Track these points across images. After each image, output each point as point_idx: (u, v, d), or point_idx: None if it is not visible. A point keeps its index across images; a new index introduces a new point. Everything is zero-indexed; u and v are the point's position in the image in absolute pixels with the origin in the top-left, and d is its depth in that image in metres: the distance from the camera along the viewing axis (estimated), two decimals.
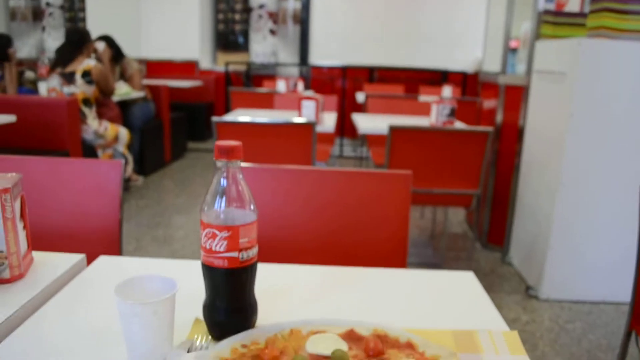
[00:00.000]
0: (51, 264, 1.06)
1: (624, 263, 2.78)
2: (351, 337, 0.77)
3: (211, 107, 7.37)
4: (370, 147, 3.95)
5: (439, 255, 3.51)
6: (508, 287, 3.04)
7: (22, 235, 0.99)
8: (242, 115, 3.52)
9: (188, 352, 0.75)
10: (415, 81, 6.70)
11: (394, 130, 2.71)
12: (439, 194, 2.87)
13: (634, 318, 1.61)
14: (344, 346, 0.74)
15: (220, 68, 7.58)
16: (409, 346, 0.75)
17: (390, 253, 1.44)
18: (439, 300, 0.97)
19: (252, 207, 0.76)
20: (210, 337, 0.79)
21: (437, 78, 6.93)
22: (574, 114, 2.72)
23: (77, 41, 4.33)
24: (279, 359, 0.71)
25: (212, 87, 7.34)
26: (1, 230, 0.94)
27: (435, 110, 3.26)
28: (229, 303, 0.77)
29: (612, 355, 2.37)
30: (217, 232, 0.73)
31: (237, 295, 0.77)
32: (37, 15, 7.59)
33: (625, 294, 1.74)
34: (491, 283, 3.08)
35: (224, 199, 0.74)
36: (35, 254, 1.08)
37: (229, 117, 3.02)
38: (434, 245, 3.72)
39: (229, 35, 7.86)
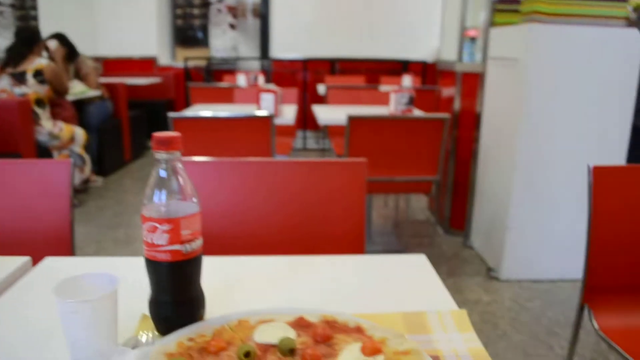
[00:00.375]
0: None
1: (579, 241, 2.86)
2: (300, 324, 0.77)
3: (171, 104, 7.25)
4: (332, 138, 3.96)
5: (403, 242, 3.55)
6: (470, 269, 3.10)
7: None
8: (200, 111, 3.47)
9: (133, 349, 0.74)
10: (376, 72, 6.73)
11: (352, 120, 2.72)
12: (400, 181, 2.89)
13: (586, 292, 1.66)
14: (292, 334, 0.74)
15: (179, 64, 7.46)
16: (358, 330, 0.75)
17: (348, 240, 1.44)
18: (392, 284, 0.98)
19: (194, 198, 0.75)
20: (156, 332, 0.78)
21: (397, 68, 6.97)
22: (526, 98, 2.78)
23: (27, 40, 4.19)
24: (225, 350, 0.71)
25: (172, 83, 7.22)
26: None
27: (394, 99, 3.29)
28: (174, 297, 0.76)
29: (570, 330, 2.44)
30: (157, 226, 0.72)
31: (182, 289, 0.76)
32: None
33: (580, 271, 1.80)
34: (454, 267, 3.13)
35: (163, 191, 0.73)
36: None
37: (186, 113, 2.98)
38: (398, 232, 3.76)
39: (187, 31, 7.73)
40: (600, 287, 1.66)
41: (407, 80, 5.14)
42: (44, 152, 4.19)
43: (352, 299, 0.91)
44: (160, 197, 0.73)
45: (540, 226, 2.94)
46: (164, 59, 7.56)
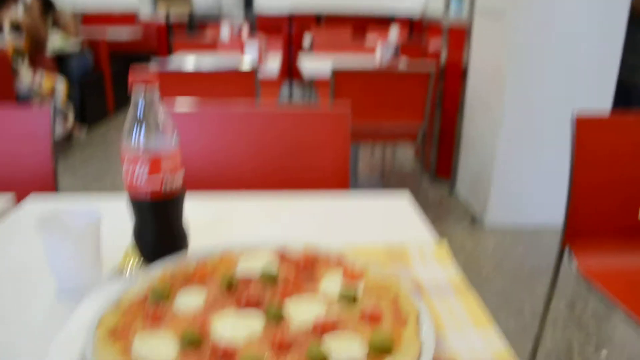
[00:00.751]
0: None
1: (563, 189, 2.91)
2: (282, 255, 0.78)
3: (150, 56, 7.08)
4: (319, 89, 3.92)
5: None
6: (455, 217, 3.15)
7: None
8: (182, 59, 3.41)
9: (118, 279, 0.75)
10: (362, 26, 6.61)
11: (337, 73, 2.68)
12: (386, 130, 2.89)
13: (567, 235, 1.70)
14: (274, 264, 0.75)
15: (161, 19, 7.25)
16: (339, 261, 0.77)
17: (333, 183, 1.45)
18: (374, 220, 1.00)
19: (173, 135, 0.74)
20: (141, 263, 0.79)
21: (384, 23, 6.84)
22: (513, 51, 2.77)
23: None
24: (209, 278, 0.72)
25: (154, 36, 7.04)
26: None
27: (380, 51, 3.25)
28: (157, 232, 0.77)
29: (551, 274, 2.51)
30: (136, 163, 0.72)
31: (164, 225, 0.77)
32: None
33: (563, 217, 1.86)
34: (439, 214, 3.18)
35: (142, 127, 0.72)
36: None
37: (168, 65, 2.92)
38: (384, 182, 3.78)
39: None
40: (581, 231, 1.70)
41: (394, 32, 5.06)
42: (24, 104, 4.11)
43: (335, 233, 0.92)
44: (139, 133, 0.72)
45: (525, 174, 2.97)
46: (145, 13, 7.34)
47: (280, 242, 0.81)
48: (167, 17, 7.06)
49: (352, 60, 3.37)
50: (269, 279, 0.71)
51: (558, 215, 2.96)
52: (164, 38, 7.10)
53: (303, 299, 0.68)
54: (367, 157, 4.30)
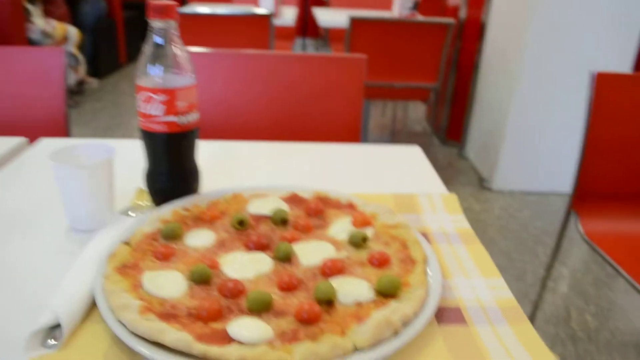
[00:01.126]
0: None
1: (573, 155, 2.88)
2: (293, 200, 0.78)
3: None
4: (332, 44, 3.86)
5: None
6: (463, 179, 3.14)
7: None
8: (196, 9, 3.35)
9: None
10: None
11: (354, 21, 2.63)
12: (398, 87, 2.86)
13: (575, 199, 1.69)
14: (285, 208, 0.76)
15: None
16: (349, 206, 0.77)
17: (344, 134, 1.44)
18: (385, 171, 1.00)
19: (190, 70, 0.73)
20: (152, 204, 0.79)
21: None
22: (535, 8, 2.69)
23: None
24: (220, 219, 0.73)
25: None
26: None
27: (398, 3, 3.17)
28: (170, 169, 0.77)
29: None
30: (153, 96, 0.71)
31: (177, 161, 0.77)
32: None
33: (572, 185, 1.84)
34: (448, 177, 3.17)
35: (159, 61, 0.72)
36: None
37: (182, 9, 2.88)
38: (393, 142, 3.77)
39: None
40: (589, 194, 1.69)
41: None
42: None
43: (345, 182, 0.93)
44: (155, 67, 0.72)
45: (537, 138, 2.94)
46: None
47: (290, 186, 0.82)
48: None
49: (369, 14, 3.30)
50: (279, 222, 0.72)
51: (566, 182, 2.95)
52: None
53: (312, 242, 0.68)
54: (378, 116, 4.27)
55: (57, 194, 0.73)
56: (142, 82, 0.72)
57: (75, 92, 4.56)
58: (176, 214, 0.73)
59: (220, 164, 0.98)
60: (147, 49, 0.72)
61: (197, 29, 2.66)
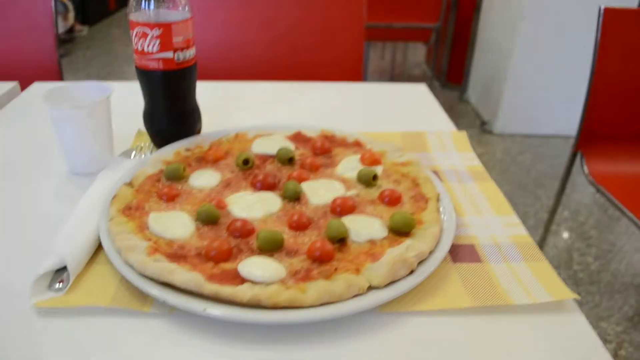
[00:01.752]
0: None
1: (578, 97, 2.84)
2: (298, 138, 0.76)
3: None
4: None
5: None
6: (464, 123, 3.10)
7: None
8: None
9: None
10: None
11: None
12: (398, 27, 2.78)
13: (581, 139, 1.67)
14: (290, 147, 0.73)
15: None
16: (357, 144, 0.75)
17: (346, 72, 1.39)
18: (392, 109, 0.97)
19: (184, 3, 0.69)
20: (153, 146, 0.77)
21: None
22: None
23: None
24: (223, 159, 0.70)
25: None
26: None
27: None
28: (169, 109, 0.74)
29: (558, 181, 2.51)
30: (148, 31, 0.67)
31: (176, 101, 0.73)
32: None
33: (575, 128, 1.79)
34: None
35: None
36: None
37: None
38: None
39: None
40: (594, 135, 1.66)
41: None
42: None
43: (351, 121, 0.89)
44: (149, 1, 0.67)
45: (540, 80, 2.88)
46: None
47: (294, 125, 0.79)
48: None
49: None
50: (285, 160, 0.69)
51: (568, 125, 2.92)
52: None
53: (320, 181, 0.66)
54: (377, 59, 4.18)
55: (54, 138, 0.70)
56: (135, 17, 0.68)
57: (65, 41, 4.44)
58: (178, 155, 0.70)
59: (220, 105, 0.94)
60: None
61: None
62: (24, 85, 1.08)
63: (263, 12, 1.35)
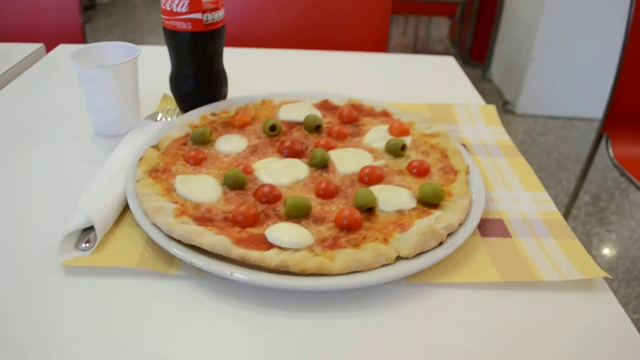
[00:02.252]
0: (10, 53, 0.99)
1: (604, 78, 2.77)
2: (325, 106, 0.75)
3: None
4: None
5: None
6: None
7: None
8: None
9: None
10: None
11: None
12: (423, 1, 2.72)
13: (607, 121, 1.63)
14: (317, 114, 0.72)
15: None
16: (384, 114, 0.73)
17: (372, 46, 1.37)
18: (419, 81, 0.95)
19: None
20: (178, 109, 0.76)
21: None
22: None
23: None
24: (250, 125, 0.69)
25: None
26: None
27: None
28: (195, 72, 0.73)
29: (579, 165, 2.47)
30: None
31: (203, 63, 0.73)
32: None
33: (599, 110, 1.74)
34: None
35: None
36: None
37: None
38: None
39: None
40: (622, 116, 1.63)
41: None
42: None
43: (378, 91, 0.88)
44: None
45: (566, 60, 2.82)
46: None
47: (322, 93, 0.78)
48: None
49: None
50: (313, 128, 0.68)
51: (592, 107, 2.86)
52: None
53: (348, 150, 0.65)
54: (399, 35, 4.11)
55: (80, 99, 0.70)
56: None
57: (87, 7, 4.43)
58: (204, 119, 0.69)
59: (246, 71, 0.93)
60: None
61: None
62: (49, 49, 1.07)
63: None
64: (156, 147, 0.63)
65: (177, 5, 0.67)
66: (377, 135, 0.68)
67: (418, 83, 0.94)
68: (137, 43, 0.72)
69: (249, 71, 0.93)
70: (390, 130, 0.68)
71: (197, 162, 0.61)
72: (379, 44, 1.37)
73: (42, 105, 0.80)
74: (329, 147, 0.65)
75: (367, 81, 0.93)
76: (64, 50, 1.04)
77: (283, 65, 0.99)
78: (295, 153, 0.63)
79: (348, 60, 1.03)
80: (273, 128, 0.67)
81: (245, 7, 1.32)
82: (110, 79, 0.66)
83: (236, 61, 0.87)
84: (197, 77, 0.73)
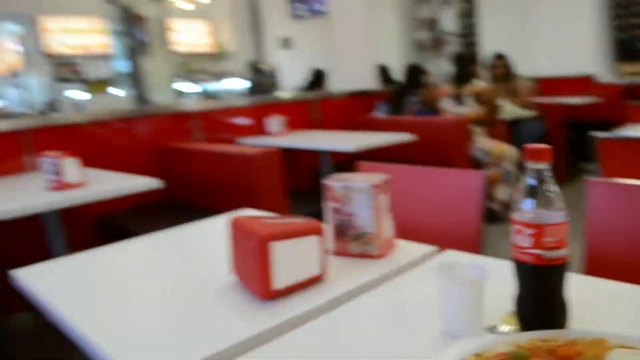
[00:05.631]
0: (408, 250, 1.28)
1: None
2: None
3: (606, 124, 6.64)
4: None
5: None
6: None
7: (387, 223, 1.25)
8: (634, 130, 3.15)
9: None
10: None
11: None
12: None
13: None
14: None
15: (621, 81, 6.79)
16: None
17: None
18: None
19: (560, 207, 0.78)
20: (518, 328, 0.85)
21: None
22: None
23: (464, 63, 4.72)
24: (572, 359, 0.72)
25: (610, 102, 6.61)
26: (372, 216, 1.21)
27: None
28: (535, 298, 0.82)
29: None
30: (523, 229, 0.79)
31: (542, 292, 0.81)
32: (437, 44, 8.39)
33: None
34: None
35: (531, 199, 0.80)
36: (401, 242, 1.32)
37: (609, 133, 2.77)
38: None
39: (630, 43, 6.96)
40: None
41: None
42: (477, 166, 4.54)
43: None
44: (528, 204, 0.80)
45: None
46: (603, 76, 7.03)
47: None
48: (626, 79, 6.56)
49: None
50: None
51: None
52: (621, 102, 6.60)
53: None
54: None
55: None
56: (516, 215, 0.81)
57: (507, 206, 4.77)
58: (532, 343, 0.76)
59: (593, 304, 0.94)
60: (523, 187, 0.81)
61: (629, 152, 2.53)
62: (444, 246, 1.30)
63: None
64: (479, 355, 0.73)
65: (522, 240, 0.80)
66: None
67: None
68: None
69: (595, 306, 0.94)
70: None
71: None
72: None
73: (411, 299, 1.01)
74: None
75: None
76: (448, 255, 1.25)
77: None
78: None
79: None
80: None
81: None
82: (460, 292, 0.83)
83: (582, 290, 0.90)
84: (536, 303, 0.82)
